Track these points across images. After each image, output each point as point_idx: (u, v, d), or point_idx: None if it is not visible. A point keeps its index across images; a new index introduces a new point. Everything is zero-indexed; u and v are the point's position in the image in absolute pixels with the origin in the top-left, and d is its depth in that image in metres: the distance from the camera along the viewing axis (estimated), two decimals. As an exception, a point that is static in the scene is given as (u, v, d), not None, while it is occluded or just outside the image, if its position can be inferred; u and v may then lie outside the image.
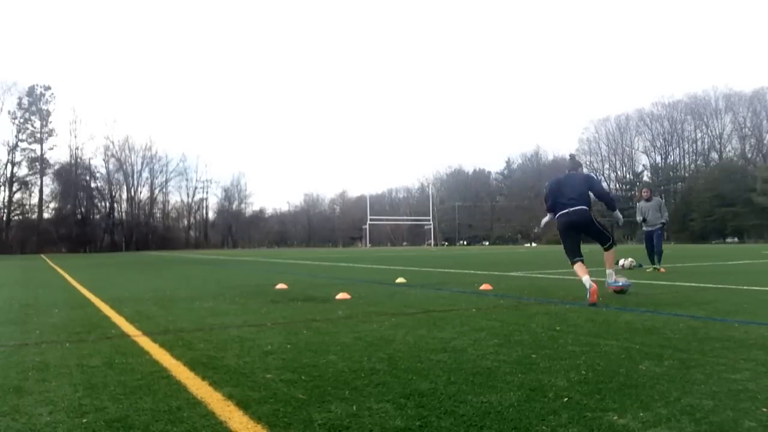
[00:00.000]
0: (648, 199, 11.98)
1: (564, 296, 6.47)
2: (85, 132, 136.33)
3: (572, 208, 6.25)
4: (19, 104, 74.12)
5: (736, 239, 69.47)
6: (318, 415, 2.22)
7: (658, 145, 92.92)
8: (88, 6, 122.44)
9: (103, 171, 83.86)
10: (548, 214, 6.61)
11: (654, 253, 11.35)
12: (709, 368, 2.87)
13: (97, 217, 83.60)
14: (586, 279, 5.82)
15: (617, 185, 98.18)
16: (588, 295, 5.57)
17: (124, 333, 4.33)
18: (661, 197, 12.78)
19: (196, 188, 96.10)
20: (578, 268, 6.10)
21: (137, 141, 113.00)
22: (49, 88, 76.49)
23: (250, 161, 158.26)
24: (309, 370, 2.97)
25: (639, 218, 12.02)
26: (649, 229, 11.69)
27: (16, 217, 74.64)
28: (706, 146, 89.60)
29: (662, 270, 10.86)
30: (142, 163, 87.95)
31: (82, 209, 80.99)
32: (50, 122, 75.82)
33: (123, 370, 3.03)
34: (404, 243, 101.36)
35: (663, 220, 11.69)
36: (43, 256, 43.18)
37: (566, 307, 5.43)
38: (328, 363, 3.13)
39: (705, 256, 19.23)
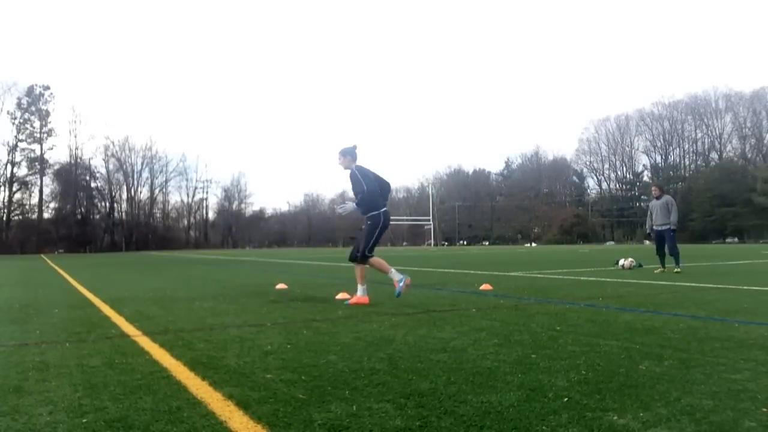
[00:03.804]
0: (658, 197, 11.21)
1: (564, 296, 6.47)
2: (85, 132, 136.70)
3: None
4: (19, 104, 74.23)
5: (736, 239, 69.50)
6: (318, 415, 2.22)
7: (658, 145, 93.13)
8: (87, 6, 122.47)
9: (103, 171, 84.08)
10: (352, 204, 6.30)
11: (662, 253, 10.91)
12: (709, 368, 2.87)
13: (97, 217, 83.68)
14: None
15: (617, 185, 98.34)
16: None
17: (124, 333, 4.32)
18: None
19: (196, 188, 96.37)
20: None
21: (137, 141, 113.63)
22: (48, 87, 76.62)
23: (250, 161, 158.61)
24: (309, 370, 2.97)
25: (648, 222, 11.38)
26: (658, 228, 11.05)
27: (16, 217, 74.70)
28: (706, 146, 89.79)
29: (677, 270, 10.40)
30: (142, 163, 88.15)
31: (82, 209, 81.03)
32: (50, 122, 75.97)
33: (123, 370, 3.02)
34: (404, 243, 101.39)
35: (670, 225, 10.84)
36: (42, 256, 43.18)
37: (566, 307, 5.43)
38: (328, 363, 3.13)
39: (705, 256, 19.23)
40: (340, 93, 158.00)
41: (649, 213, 11.46)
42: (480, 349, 3.45)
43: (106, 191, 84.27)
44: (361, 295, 6.05)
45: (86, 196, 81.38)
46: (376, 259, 6.13)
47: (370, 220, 6.11)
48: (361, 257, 6.12)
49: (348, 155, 6.26)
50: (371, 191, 6.05)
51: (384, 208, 6.17)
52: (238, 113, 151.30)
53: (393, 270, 6.08)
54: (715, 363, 2.99)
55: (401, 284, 5.96)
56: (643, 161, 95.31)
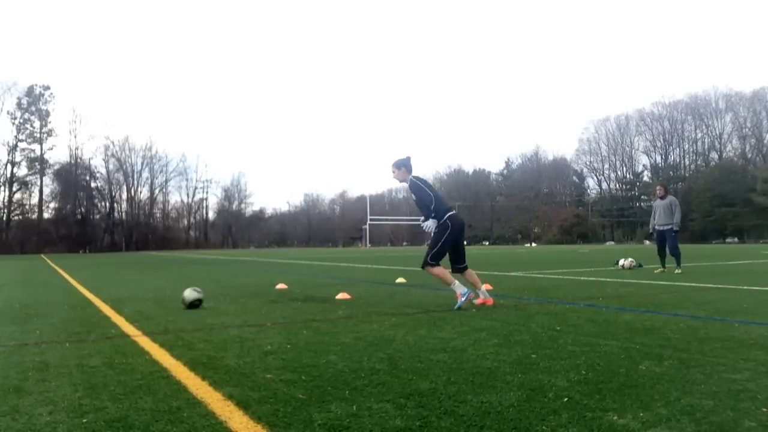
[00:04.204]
0: (662, 197, 11.20)
1: (564, 296, 6.47)
2: (85, 132, 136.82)
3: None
4: (19, 104, 74.21)
5: (736, 239, 69.50)
6: (318, 415, 2.22)
7: (658, 145, 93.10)
8: (87, 6, 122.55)
9: (103, 171, 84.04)
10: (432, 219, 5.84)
11: (663, 253, 10.95)
12: (709, 368, 2.87)
13: (97, 217, 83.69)
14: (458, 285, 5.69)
15: (617, 185, 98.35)
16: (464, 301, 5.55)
17: (124, 333, 4.33)
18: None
19: (196, 188, 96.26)
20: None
21: (137, 141, 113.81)
22: (48, 88, 76.57)
23: (250, 161, 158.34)
24: (309, 370, 2.97)
25: (651, 221, 11.39)
26: (660, 228, 11.08)
27: (16, 217, 74.69)
28: (706, 146, 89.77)
29: (678, 271, 10.40)
30: (142, 163, 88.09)
31: (82, 209, 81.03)
32: (50, 122, 75.95)
33: (123, 370, 3.03)
34: (404, 243, 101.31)
35: (673, 226, 10.86)
36: (43, 256, 43.18)
37: (566, 307, 5.43)
38: (328, 363, 3.13)
39: (705, 256, 19.22)
40: (340, 93, 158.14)
41: (652, 212, 11.50)
42: (480, 349, 3.45)
43: (106, 191, 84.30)
44: (484, 297, 5.83)
45: (86, 196, 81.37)
46: (438, 269, 5.73)
47: (438, 227, 5.77)
48: (423, 263, 5.82)
49: (403, 167, 5.97)
50: (438, 196, 5.82)
51: (451, 212, 5.85)
52: (238, 113, 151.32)
53: (456, 282, 5.71)
54: (715, 363, 2.99)
55: (463, 299, 5.55)
56: (643, 161, 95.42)
